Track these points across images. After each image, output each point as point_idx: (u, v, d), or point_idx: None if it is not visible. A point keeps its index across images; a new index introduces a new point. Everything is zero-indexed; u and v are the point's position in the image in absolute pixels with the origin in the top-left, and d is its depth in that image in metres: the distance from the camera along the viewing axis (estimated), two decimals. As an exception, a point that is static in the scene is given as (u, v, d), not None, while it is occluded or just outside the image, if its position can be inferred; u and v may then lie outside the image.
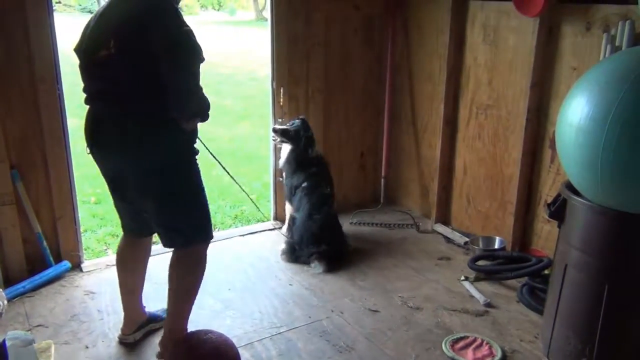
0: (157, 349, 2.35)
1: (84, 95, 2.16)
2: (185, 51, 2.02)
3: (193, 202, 2.20)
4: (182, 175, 2.16)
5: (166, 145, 2.09)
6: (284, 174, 3.45)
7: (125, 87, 2.04)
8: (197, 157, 2.21)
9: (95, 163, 2.25)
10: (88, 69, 2.13)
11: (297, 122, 3.36)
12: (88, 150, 2.21)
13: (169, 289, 2.25)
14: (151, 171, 2.10)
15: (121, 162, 2.14)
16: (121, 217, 2.40)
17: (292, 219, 3.29)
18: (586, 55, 2.74)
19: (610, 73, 1.96)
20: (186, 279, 2.24)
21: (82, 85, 2.17)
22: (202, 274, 2.28)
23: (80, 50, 2.13)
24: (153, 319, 2.54)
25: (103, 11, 2.10)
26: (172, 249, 2.24)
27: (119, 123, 2.08)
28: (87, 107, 2.19)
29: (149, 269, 2.97)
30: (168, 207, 2.15)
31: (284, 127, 3.37)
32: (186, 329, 2.28)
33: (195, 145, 2.20)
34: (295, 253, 3.22)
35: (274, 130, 3.38)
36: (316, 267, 3.11)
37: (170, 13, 2.02)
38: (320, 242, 3.16)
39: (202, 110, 2.13)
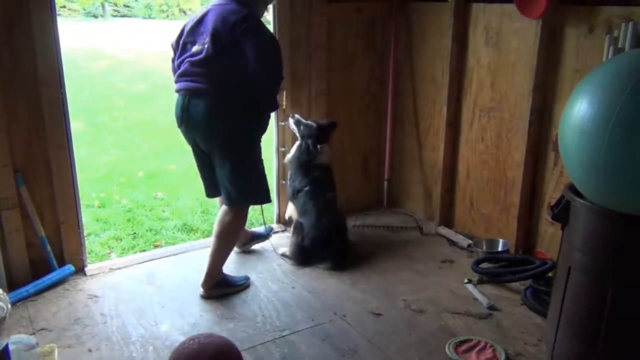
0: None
1: (180, 88, 2.71)
2: (272, 58, 2.65)
3: (251, 173, 2.80)
4: (249, 150, 2.77)
5: (239, 127, 2.68)
6: (287, 175, 3.46)
7: (212, 75, 2.60)
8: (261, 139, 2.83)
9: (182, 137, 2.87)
10: (182, 60, 2.70)
11: (313, 124, 3.33)
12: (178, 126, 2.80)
13: (214, 235, 2.86)
14: (228, 145, 2.70)
15: (203, 136, 2.72)
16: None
17: (300, 224, 3.28)
18: (589, 57, 2.73)
19: (613, 75, 1.96)
20: (229, 229, 2.84)
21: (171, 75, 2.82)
22: (242, 228, 2.96)
23: (177, 44, 2.76)
24: (256, 236, 3.40)
25: (202, 16, 2.68)
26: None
27: (204, 104, 2.63)
28: (176, 94, 2.75)
29: (153, 273, 2.99)
30: (232, 173, 2.72)
31: (303, 120, 3.38)
32: (222, 272, 2.91)
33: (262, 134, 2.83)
34: (304, 256, 3.23)
35: (293, 117, 3.39)
36: (328, 265, 3.18)
37: (259, 27, 2.64)
38: (332, 244, 3.22)
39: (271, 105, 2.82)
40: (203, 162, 2.92)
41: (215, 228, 2.88)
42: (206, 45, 2.61)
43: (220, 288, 2.88)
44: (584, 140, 1.94)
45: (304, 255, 3.23)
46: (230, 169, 2.74)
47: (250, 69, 2.59)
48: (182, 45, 2.74)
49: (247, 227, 3.34)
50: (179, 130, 2.84)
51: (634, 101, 1.83)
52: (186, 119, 2.72)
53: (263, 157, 2.87)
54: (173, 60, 2.83)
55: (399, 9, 3.72)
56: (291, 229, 3.48)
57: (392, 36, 3.77)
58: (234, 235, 2.92)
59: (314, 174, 3.29)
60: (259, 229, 3.48)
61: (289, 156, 3.41)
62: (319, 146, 3.27)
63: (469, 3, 3.30)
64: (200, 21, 2.69)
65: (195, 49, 2.67)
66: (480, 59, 3.29)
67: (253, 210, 3.74)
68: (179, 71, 2.72)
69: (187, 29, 2.74)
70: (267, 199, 2.92)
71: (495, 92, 3.24)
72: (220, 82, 2.62)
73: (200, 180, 3.05)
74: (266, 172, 2.90)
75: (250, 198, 2.88)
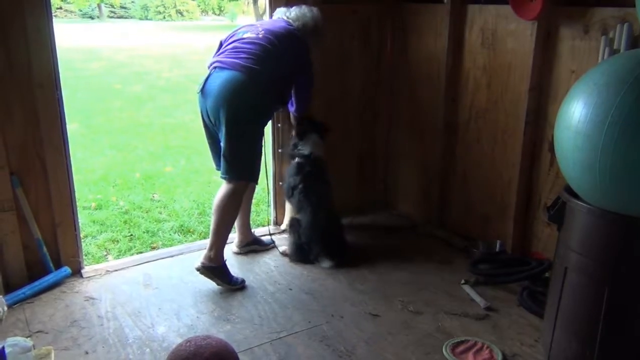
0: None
1: (213, 64, 2.90)
2: (309, 75, 3.09)
3: (247, 150, 2.89)
4: (253, 130, 2.90)
5: (250, 104, 2.82)
6: (285, 174, 3.49)
7: (250, 54, 2.82)
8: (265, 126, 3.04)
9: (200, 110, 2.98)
10: (229, 43, 2.94)
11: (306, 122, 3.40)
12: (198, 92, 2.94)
13: (213, 209, 2.95)
14: (234, 118, 2.79)
15: (214, 104, 2.81)
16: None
17: (297, 221, 3.30)
18: (585, 58, 2.74)
19: (609, 76, 1.96)
20: (224, 202, 2.91)
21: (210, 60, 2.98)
22: (238, 206, 3.00)
23: (227, 39, 3.00)
24: (257, 241, 3.44)
25: (256, 24, 3.07)
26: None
27: (226, 74, 2.79)
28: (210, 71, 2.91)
29: (150, 275, 2.98)
30: (230, 146, 2.83)
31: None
32: (225, 263, 2.97)
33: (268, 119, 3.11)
34: (302, 253, 3.26)
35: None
36: (327, 263, 3.20)
37: (305, 47, 3.04)
38: (329, 240, 3.24)
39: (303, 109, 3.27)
40: (212, 137, 3.01)
41: (213, 203, 2.98)
42: (259, 34, 2.90)
43: (214, 275, 2.94)
44: (580, 141, 1.95)
45: (302, 252, 3.26)
46: (229, 142, 2.82)
47: (297, 80, 3.04)
48: (232, 37, 2.98)
49: (252, 230, 3.48)
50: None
51: (629, 102, 1.84)
52: (205, 86, 2.86)
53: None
54: (223, 47, 3.01)
55: (394, 9, 3.73)
56: (288, 227, 3.48)
57: (387, 37, 3.77)
58: (228, 210, 2.94)
59: (305, 168, 3.30)
60: (264, 237, 3.52)
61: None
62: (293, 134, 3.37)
63: (464, 4, 3.30)
64: (255, 24, 3.04)
65: (246, 35, 2.93)
66: (476, 60, 3.30)
67: (263, 213, 3.76)
68: (219, 53, 2.93)
69: (241, 28, 3.04)
70: (254, 180, 3.04)
71: (491, 93, 3.24)
72: (253, 61, 2.80)
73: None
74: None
75: (240, 173, 2.92)
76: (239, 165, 2.90)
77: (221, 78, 2.80)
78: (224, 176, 2.93)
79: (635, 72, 1.87)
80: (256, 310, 2.77)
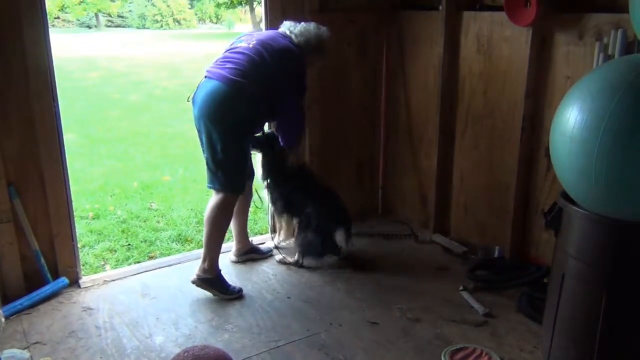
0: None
1: (205, 72, 2.88)
2: (299, 91, 2.97)
3: (230, 161, 2.85)
4: (234, 142, 2.84)
5: (237, 118, 2.79)
6: (265, 191, 3.38)
7: (239, 65, 2.78)
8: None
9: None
10: (223, 55, 2.90)
11: (269, 130, 3.30)
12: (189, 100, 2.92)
13: (204, 221, 2.95)
14: (218, 128, 2.76)
15: (199, 112, 2.79)
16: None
17: (307, 215, 3.25)
18: (579, 64, 2.75)
19: (603, 82, 1.97)
20: (214, 213, 2.91)
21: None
22: (228, 217, 2.99)
23: (228, 49, 2.96)
24: (255, 250, 3.42)
25: (254, 33, 3.02)
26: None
27: (212, 84, 2.77)
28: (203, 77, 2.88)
29: (147, 284, 2.97)
30: (213, 155, 2.81)
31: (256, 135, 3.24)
32: (220, 273, 2.97)
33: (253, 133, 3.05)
34: (312, 247, 3.23)
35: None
36: (340, 232, 3.21)
37: (300, 64, 2.93)
38: (335, 209, 3.28)
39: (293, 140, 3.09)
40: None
41: (206, 212, 2.97)
42: (250, 44, 2.85)
43: (210, 286, 2.93)
44: (575, 147, 1.95)
45: (317, 244, 3.21)
46: (210, 152, 2.82)
47: (282, 100, 2.88)
48: (231, 45, 2.96)
49: (250, 239, 3.47)
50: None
51: (623, 108, 1.84)
52: (194, 95, 2.85)
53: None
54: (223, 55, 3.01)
55: (390, 18, 3.74)
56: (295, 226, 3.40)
57: (384, 45, 3.79)
58: (217, 221, 2.92)
59: (291, 175, 3.25)
60: (262, 246, 3.51)
61: (261, 174, 3.30)
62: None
63: (460, 11, 3.32)
64: (251, 34, 2.98)
65: (240, 44, 2.90)
66: (472, 67, 3.31)
67: (261, 221, 3.77)
68: (217, 63, 2.89)
69: (241, 36, 3.01)
70: (237, 191, 2.96)
71: (488, 100, 3.25)
72: (237, 72, 2.75)
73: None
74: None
75: (222, 184, 2.88)
76: (221, 176, 2.86)
77: (206, 88, 2.78)
78: (208, 185, 2.93)
79: (629, 78, 1.87)
80: (254, 319, 2.77)
